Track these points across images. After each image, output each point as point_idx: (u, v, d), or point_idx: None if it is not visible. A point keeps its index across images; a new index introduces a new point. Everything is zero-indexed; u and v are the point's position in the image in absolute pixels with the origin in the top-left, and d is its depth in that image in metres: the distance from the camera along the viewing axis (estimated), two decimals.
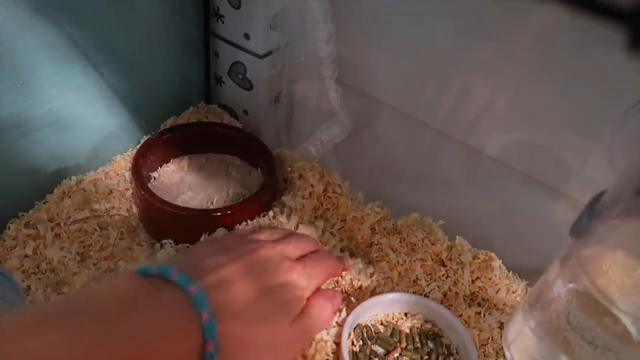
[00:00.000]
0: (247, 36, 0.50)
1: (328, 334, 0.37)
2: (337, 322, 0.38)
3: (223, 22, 0.51)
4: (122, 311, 0.27)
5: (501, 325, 0.40)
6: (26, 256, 0.41)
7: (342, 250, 0.45)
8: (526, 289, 0.43)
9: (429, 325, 0.40)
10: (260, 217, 0.45)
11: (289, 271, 0.36)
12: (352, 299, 0.41)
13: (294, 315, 0.34)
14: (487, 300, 0.42)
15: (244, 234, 0.41)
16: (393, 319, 0.41)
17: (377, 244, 0.45)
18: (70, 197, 0.45)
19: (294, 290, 0.35)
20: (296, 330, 0.35)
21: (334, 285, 0.41)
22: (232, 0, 0.48)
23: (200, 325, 0.28)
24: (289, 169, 0.50)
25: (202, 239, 0.42)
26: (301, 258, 0.39)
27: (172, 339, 0.27)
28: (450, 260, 0.43)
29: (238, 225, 0.43)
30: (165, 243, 0.43)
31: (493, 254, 0.44)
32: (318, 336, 0.37)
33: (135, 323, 0.27)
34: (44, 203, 0.45)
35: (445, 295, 0.42)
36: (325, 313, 0.37)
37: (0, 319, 0.25)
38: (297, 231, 0.44)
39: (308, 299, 0.36)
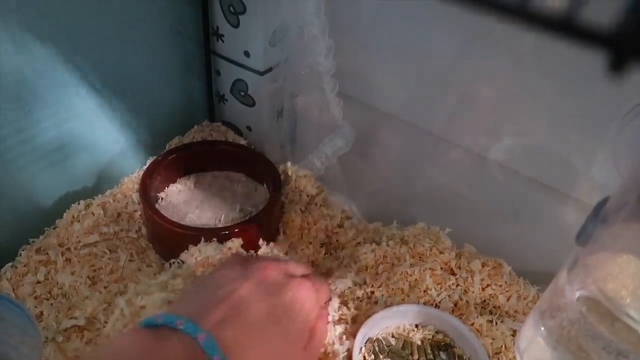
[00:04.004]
0: (247, 54, 0.50)
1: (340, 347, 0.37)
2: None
3: (223, 41, 0.51)
4: None
5: (514, 333, 0.39)
6: (38, 282, 0.42)
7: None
8: (538, 294, 0.42)
9: (440, 336, 0.40)
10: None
11: (299, 287, 0.34)
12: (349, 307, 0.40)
13: (306, 341, 0.34)
14: (499, 307, 0.41)
15: (242, 261, 0.38)
16: (404, 331, 0.40)
17: (384, 255, 0.45)
18: (79, 221, 0.46)
19: (304, 311, 0.34)
20: (308, 355, 0.34)
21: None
22: (231, 19, 0.49)
23: None
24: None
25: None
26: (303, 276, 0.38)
27: None
28: (460, 268, 0.43)
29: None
30: (174, 263, 0.43)
31: (502, 260, 0.44)
32: (329, 349, 0.37)
33: None
34: (53, 228, 0.46)
35: (456, 304, 0.41)
36: (326, 333, 0.37)
37: None
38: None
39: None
